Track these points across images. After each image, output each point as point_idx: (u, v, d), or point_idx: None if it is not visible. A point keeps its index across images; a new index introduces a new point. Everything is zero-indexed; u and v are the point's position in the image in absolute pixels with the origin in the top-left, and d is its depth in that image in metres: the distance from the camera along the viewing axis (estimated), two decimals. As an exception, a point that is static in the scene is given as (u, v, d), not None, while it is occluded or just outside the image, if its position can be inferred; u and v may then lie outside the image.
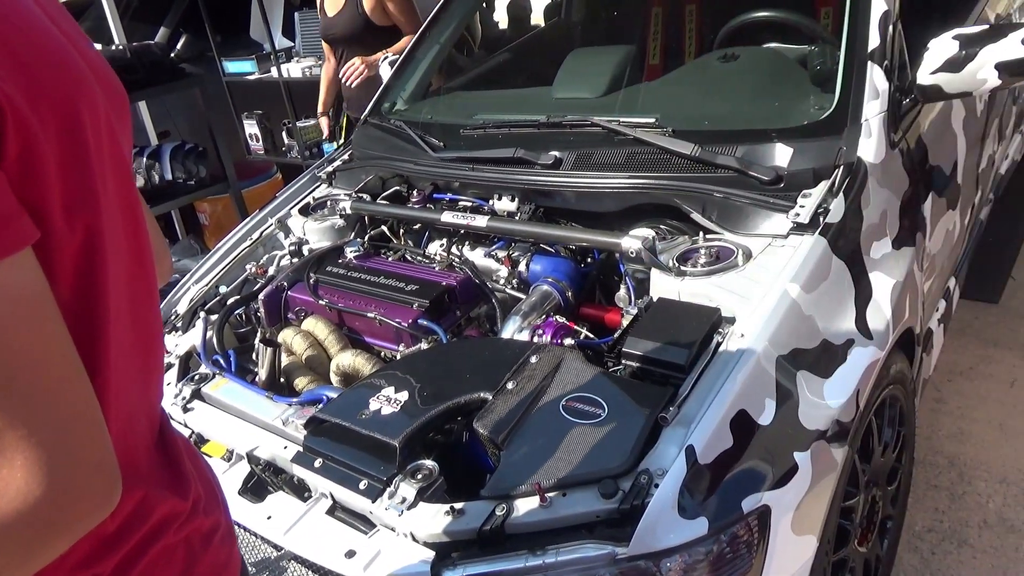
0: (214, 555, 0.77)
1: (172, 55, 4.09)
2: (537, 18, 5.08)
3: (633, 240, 1.55)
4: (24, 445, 0.50)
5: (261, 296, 1.82)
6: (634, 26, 2.93)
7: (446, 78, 2.83)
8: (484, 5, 4.51)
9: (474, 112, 2.18)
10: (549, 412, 1.27)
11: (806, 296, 1.39)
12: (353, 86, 3.24)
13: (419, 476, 1.23)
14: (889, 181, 1.68)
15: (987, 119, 2.38)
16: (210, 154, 3.83)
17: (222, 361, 1.67)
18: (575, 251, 1.78)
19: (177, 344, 1.78)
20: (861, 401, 1.41)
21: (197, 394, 1.60)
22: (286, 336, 1.71)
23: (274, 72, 4.26)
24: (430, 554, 1.15)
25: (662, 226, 1.68)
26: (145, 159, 3.63)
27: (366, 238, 2.01)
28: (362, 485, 1.24)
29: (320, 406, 1.42)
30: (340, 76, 3.30)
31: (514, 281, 1.78)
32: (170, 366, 1.71)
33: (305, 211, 2.15)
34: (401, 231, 2.07)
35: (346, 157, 2.33)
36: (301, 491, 1.35)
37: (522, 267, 1.77)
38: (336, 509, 1.29)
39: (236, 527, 1.05)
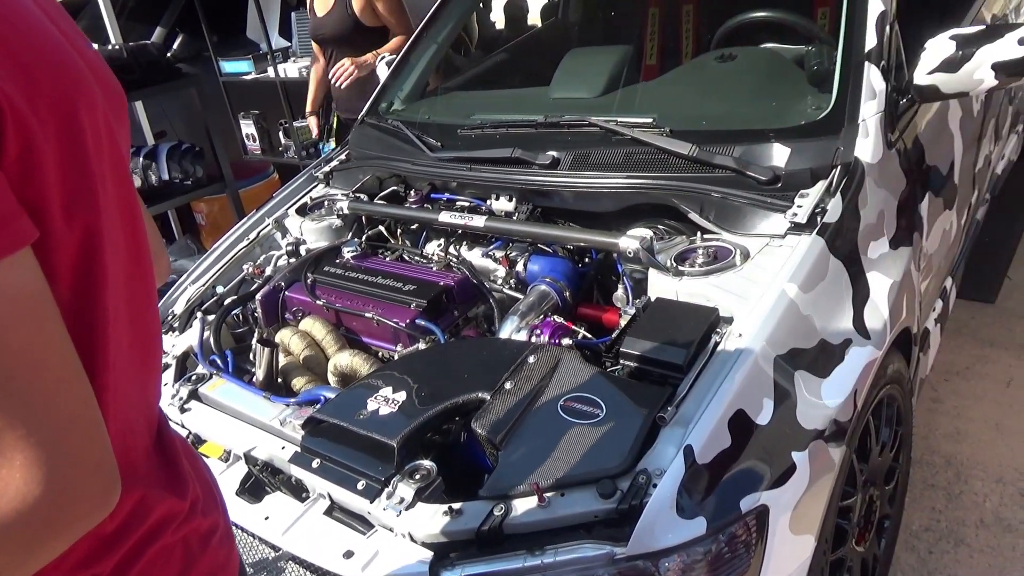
0: (212, 556, 0.77)
1: (168, 55, 4.09)
2: (534, 18, 5.08)
3: (631, 240, 1.55)
4: (23, 445, 0.50)
5: (258, 296, 1.81)
6: (631, 26, 2.93)
7: (443, 78, 2.83)
8: (481, 5, 4.50)
9: (471, 112, 2.18)
10: (547, 412, 1.27)
11: (804, 296, 1.39)
12: (343, 87, 3.24)
13: (417, 476, 1.23)
14: (886, 181, 1.68)
15: (983, 119, 2.39)
16: (207, 154, 3.82)
17: (219, 361, 1.66)
18: (573, 251, 1.78)
19: (174, 344, 1.77)
20: (859, 401, 1.42)
21: (194, 394, 1.60)
22: (283, 336, 1.70)
23: (271, 72, 4.25)
24: (428, 554, 1.15)
25: (660, 226, 1.68)
26: (142, 159, 3.62)
27: (363, 238, 2.01)
28: (360, 485, 1.24)
29: (318, 406, 1.42)
30: (329, 77, 3.29)
31: (512, 281, 1.78)
32: (167, 366, 1.70)
33: (302, 211, 2.15)
34: (398, 231, 2.07)
35: (343, 157, 2.33)
36: (299, 491, 1.35)
37: (520, 267, 1.77)
38: (334, 509, 1.29)
39: (234, 528, 1.04)
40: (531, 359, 1.36)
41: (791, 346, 1.34)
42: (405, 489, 1.21)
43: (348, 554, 1.18)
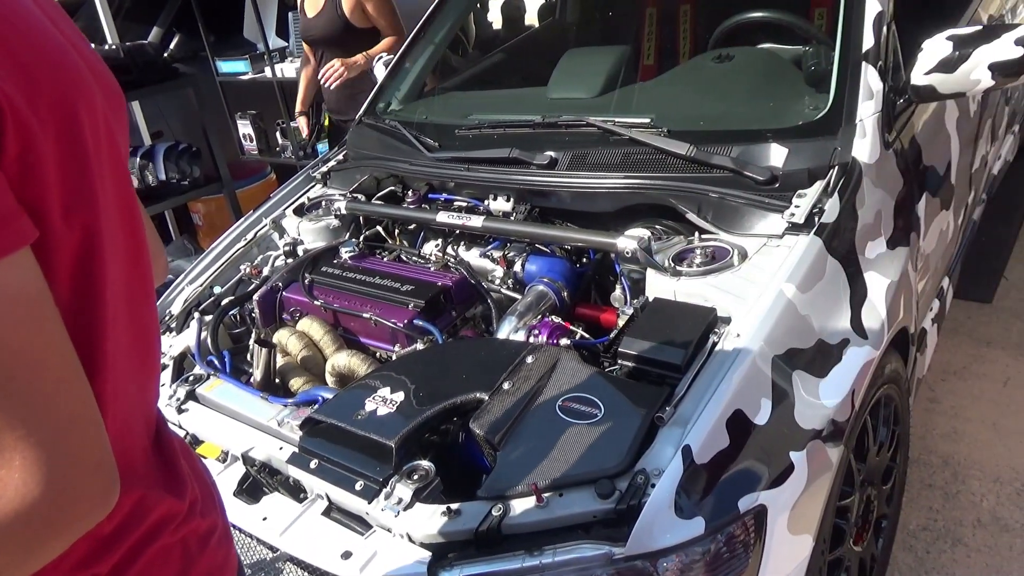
0: (211, 556, 0.77)
1: (165, 55, 4.08)
2: (531, 19, 5.08)
3: (629, 240, 1.55)
4: (22, 445, 0.50)
5: (256, 297, 1.81)
6: (628, 26, 2.93)
7: (441, 78, 2.83)
8: (478, 5, 4.50)
9: (469, 112, 2.18)
10: (545, 412, 1.27)
11: (801, 296, 1.40)
12: (332, 88, 3.23)
13: (415, 477, 1.23)
14: (884, 181, 1.68)
15: (980, 120, 2.39)
16: (204, 154, 3.81)
17: (217, 362, 1.66)
18: (571, 251, 1.78)
19: (171, 345, 1.77)
20: (856, 401, 1.42)
21: (192, 395, 1.59)
22: (281, 337, 1.70)
23: (268, 72, 4.25)
24: (427, 555, 1.14)
25: (658, 226, 1.68)
26: (139, 159, 3.61)
27: (361, 238, 2.01)
28: (358, 486, 1.24)
29: (316, 407, 1.42)
30: (319, 78, 3.28)
31: (510, 281, 1.78)
32: (164, 367, 1.70)
33: (300, 211, 2.14)
34: (396, 231, 2.07)
35: (340, 157, 2.32)
36: (297, 492, 1.35)
37: (518, 267, 1.77)
38: (332, 510, 1.29)
39: (232, 528, 1.04)
40: (529, 359, 1.36)
41: (789, 346, 1.34)
42: (403, 489, 1.21)
43: (346, 555, 1.18)
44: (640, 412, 1.22)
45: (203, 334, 1.73)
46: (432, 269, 1.78)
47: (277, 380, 1.62)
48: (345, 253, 1.88)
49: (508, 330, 1.55)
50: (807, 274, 1.42)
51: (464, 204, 1.95)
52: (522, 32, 4.25)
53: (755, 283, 1.43)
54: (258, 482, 1.39)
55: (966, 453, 2.34)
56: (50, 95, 0.57)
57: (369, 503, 1.22)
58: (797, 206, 1.53)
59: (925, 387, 2.60)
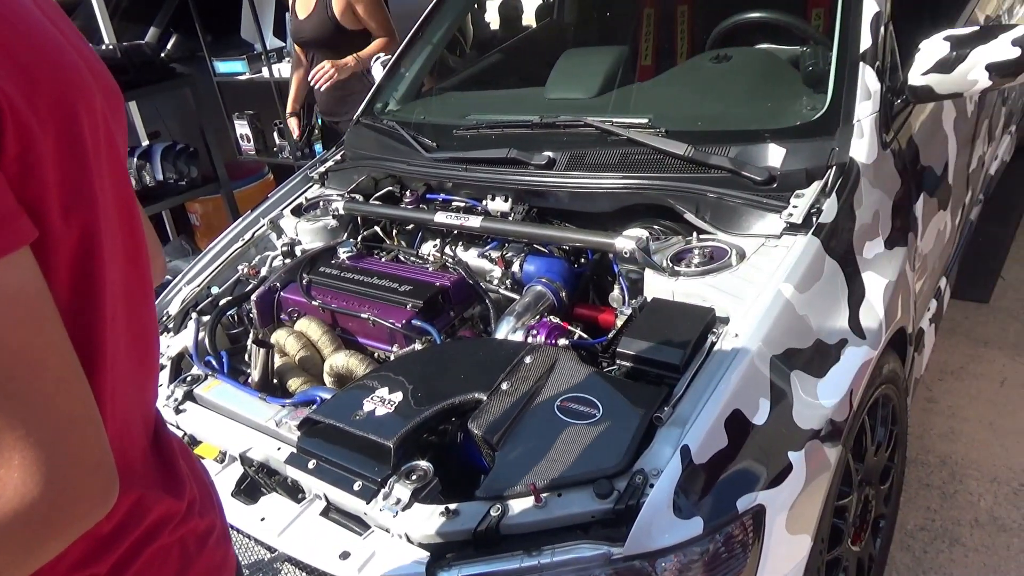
0: (209, 556, 0.76)
1: (162, 55, 4.07)
2: (528, 19, 5.09)
3: (627, 240, 1.55)
4: (22, 445, 0.50)
5: (254, 297, 1.81)
6: (626, 27, 2.93)
7: (438, 78, 2.83)
8: (476, 6, 4.51)
9: (467, 112, 2.18)
10: (544, 412, 1.27)
11: (800, 296, 1.40)
12: (322, 90, 3.22)
13: (413, 477, 1.23)
14: (881, 181, 1.69)
15: (977, 120, 2.40)
16: (201, 155, 3.81)
17: (214, 362, 1.66)
18: (569, 251, 1.78)
19: (169, 345, 1.77)
20: (854, 400, 1.42)
21: (189, 395, 1.59)
22: (279, 337, 1.70)
23: (265, 72, 4.24)
24: (425, 555, 1.14)
25: (656, 226, 1.68)
26: (136, 160, 3.60)
27: (359, 239, 2.01)
28: (356, 486, 1.24)
29: (314, 407, 1.42)
30: (309, 79, 3.27)
31: (508, 282, 1.78)
32: (162, 367, 1.70)
33: (297, 212, 2.14)
34: (394, 232, 2.07)
35: (338, 157, 2.32)
36: (295, 492, 1.35)
37: (516, 267, 1.77)
38: (330, 510, 1.28)
39: (230, 529, 1.04)
40: (527, 359, 1.36)
41: (787, 346, 1.34)
42: (401, 490, 1.21)
43: (344, 555, 1.18)
44: (638, 412, 1.22)
45: (201, 334, 1.73)
46: (430, 269, 1.78)
47: (275, 380, 1.62)
48: (343, 253, 1.88)
49: (506, 330, 1.55)
50: (805, 274, 1.42)
51: (462, 204, 1.95)
52: (520, 32, 4.25)
53: (753, 283, 1.43)
54: (256, 482, 1.39)
55: (963, 453, 2.35)
56: (50, 95, 0.57)
57: (367, 503, 1.22)
58: (795, 206, 1.53)
59: (923, 387, 2.60)
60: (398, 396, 1.34)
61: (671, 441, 1.17)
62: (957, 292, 2.57)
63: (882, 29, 1.77)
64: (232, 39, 4.85)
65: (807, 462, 1.27)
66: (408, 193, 2.05)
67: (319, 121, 3.81)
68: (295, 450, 1.35)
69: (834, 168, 1.59)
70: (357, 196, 2.09)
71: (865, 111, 1.67)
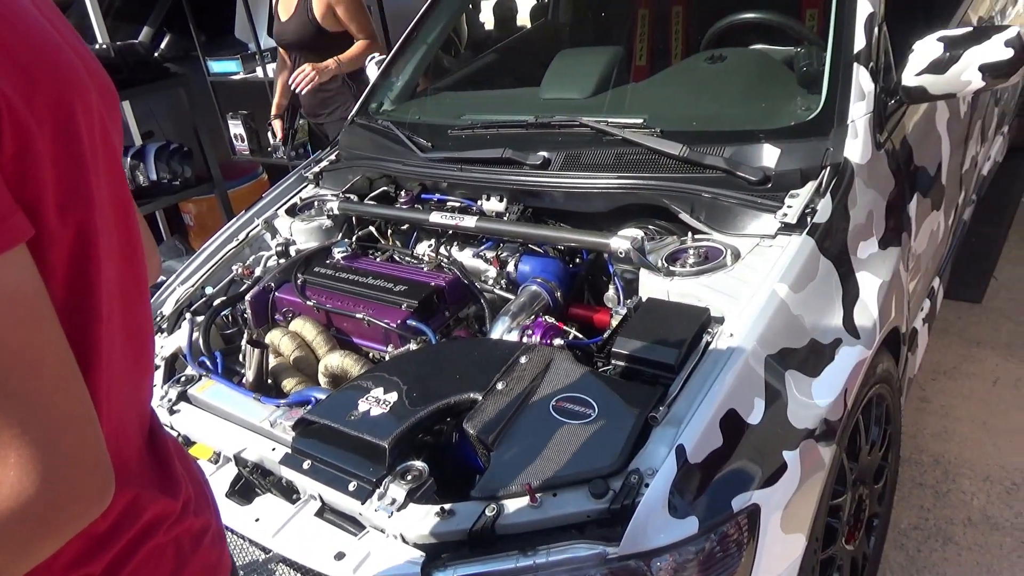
0: (204, 556, 0.76)
1: (156, 55, 4.06)
2: (523, 19, 5.08)
3: (622, 240, 1.55)
4: (18, 443, 0.50)
5: (248, 297, 1.80)
6: (621, 27, 2.94)
7: (433, 79, 2.83)
8: (470, 6, 4.50)
9: (462, 112, 2.18)
10: (539, 412, 1.27)
11: (794, 296, 1.40)
12: (303, 93, 3.21)
13: (409, 477, 1.22)
14: (875, 182, 1.69)
15: (970, 121, 2.41)
16: (195, 154, 3.80)
17: (208, 363, 1.65)
18: (564, 251, 1.78)
19: (162, 346, 1.76)
20: (849, 400, 1.42)
21: (183, 396, 1.59)
22: (274, 337, 1.70)
23: (259, 72, 4.23)
24: (420, 555, 1.14)
25: (651, 226, 1.69)
26: (129, 159, 3.59)
27: (354, 239, 2.00)
28: (351, 487, 1.24)
29: (308, 407, 1.41)
30: (289, 82, 3.25)
31: (503, 282, 1.78)
32: (156, 368, 1.69)
33: (292, 212, 2.14)
34: (389, 232, 2.06)
35: (333, 157, 2.32)
36: (289, 493, 1.34)
37: (511, 267, 1.77)
38: (325, 511, 1.28)
39: (224, 529, 1.04)
40: (523, 359, 1.36)
41: (782, 346, 1.34)
42: (396, 490, 1.20)
43: (339, 555, 1.18)
44: (634, 412, 1.22)
45: (195, 335, 1.72)
46: (425, 269, 1.78)
47: (269, 381, 1.62)
48: (338, 253, 1.87)
49: (501, 330, 1.54)
50: (800, 274, 1.43)
51: (457, 204, 1.95)
52: (514, 33, 4.25)
53: (748, 283, 1.43)
54: (250, 483, 1.39)
55: (956, 452, 2.36)
56: (47, 94, 0.57)
57: (362, 504, 1.21)
58: (790, 206, 1.54)
59: (916, 387, 2.61)
60: (393, 396, 1.34)
61: (666, 441, 1.17)
62: (950, 292, 2.58)
63: (876, 30, 1.78)
64: (226, 39, 4.84)
65: (802, 461, 1.28)
66: (403, 193, 2.04)
67: (303, 123, 3.80)
68: (290, 450, 1.35)
69: (828, 168, 1.59)
70: (352, 196, 2.08)
71: (859, 111, 1.67)
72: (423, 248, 1.93)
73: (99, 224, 0.61)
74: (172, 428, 1.54)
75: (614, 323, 1.52)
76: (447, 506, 1.17)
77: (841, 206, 1.57)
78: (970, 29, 1.71)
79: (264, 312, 1.82)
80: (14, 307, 0.51)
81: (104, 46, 3.68)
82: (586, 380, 1.31)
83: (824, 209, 1.53)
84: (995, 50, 1.65)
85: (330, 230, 2.05)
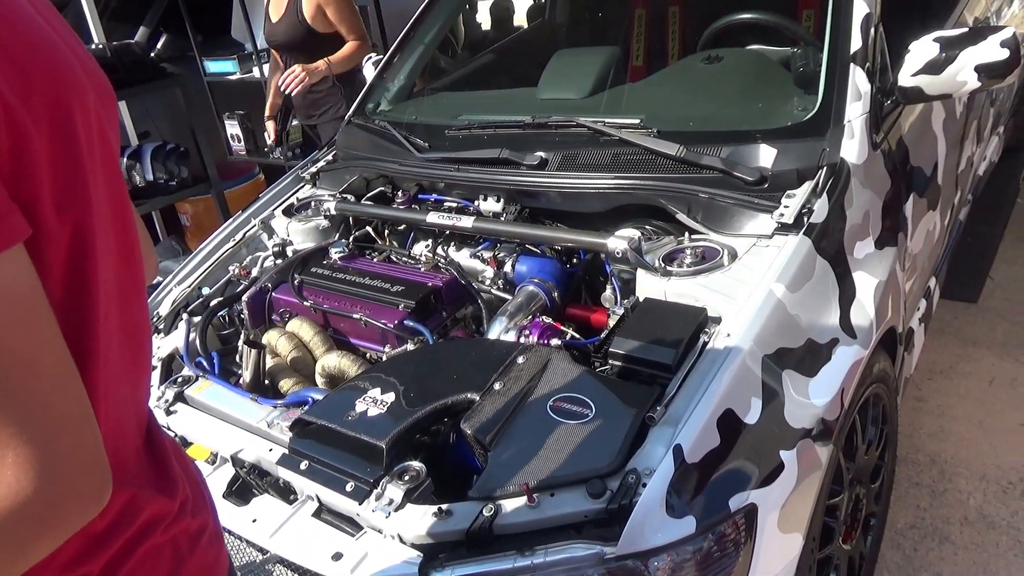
0: (201, 556, 0.76)
1: (152, 55, 4.05)
2: (520, 19, 5.09)
3: (619, 240, 1.55)
4: (15, 442, 0.50)
5: (245, 297, 1.80)
6: (618, 28, 2.94)
7: (430, 79, 2.83)
8: (467, 7, 4.50)
9: (459, 113, 2.18)
10: (536, 412, 1.27)
11: (791, 296, 1.40)
12: (293, 94, 3.20)
13: (406, 477, 1.22)
14: (872, 182, 1.69)
15: (966, 121, 2.41)
16: (192, 155, 3.79)
17: (205, 363, 1.65)
18: (561, 252, 1.78)
19: (159, 346, 1.76)
20: (845, 400, 1.43)
21: (180, 397, 1.59)
22: (271, 338, 1.69)
23: (256, 72, 4.23)
24: (418, 555, 1.14)
25: (647, 226, 1.69)
26: (126, 160, 3.58)
27: (351, 239, 2.00)
28: (349, 487, 1.24)
29: (306, 408, 1.41)
30: (279, 83, 3.24)
31: (500, 282, 1.78)
32: (152, 368, 1.69)
33: (289, 212, 2.14)
34: (386, 232, 2.06)
35: (330, 158, 2.32)
36: (287, 494, 1.34)
37: (508, 268, 1.77)
38: (322, 511, 1.28)
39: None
40: (520, 359, 1.36)
41: (779, 346, 1.35)
42: (394, 490, 1.20)
43: (337, 556, 1.18)
44: (631, 412, 1.23)
45: (191, 335, 1.72)
46: (422, 270, 1.78)
47: (267, 381, 1.62)
48: (335, 254, 1.87)
49: (499, 330, 1.54)
50: (796, 274, 1.43)
51: (454, 204, 1.94)
52: (511, 33, 4.26)
53: (745, 283, 1.43)
54: (248, 484, 1.39)
55: (953, 451, 2.36)
56: (45, 94, 0.57)
57: (360, 504, 1.21)
58: (786, 206, 1.54)
59: (912, 386, 2.61)
60: (390, 397, 1.34)
61: (664, 440, 1.17)
62: (946, 292, 2.58)
63: (872, 30, 1.78)
64: (222, 39, 4.83)
65: (799, 461, 1.28)
66: (400, 193, 2.04)
67: (296, 124, 3.80)
68: (287, 451, 1.35)
69: (825, 168, 1.60)
70: (349, 196, 2.08)
71: (855, 112, 1.68)
72: (420, 248, 1.93)
73: (96, 223, 0.61)
74: (169, 429, 1.54)
75: (611, 323, 1.52)
76: (445, 506, 1.17)
77: (837, 206, 1.57)
78: (966, 30, 1.71)
79: (261, 312, 1.82)
80: (12, 306, 0.51)
81: (100, 46, 3.68)
82: (583, 380, 1.31)
83: (821, 209, 1.53)
84: (991, 51, 1.65)
85: (327, 230, 2.04)
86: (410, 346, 1.57)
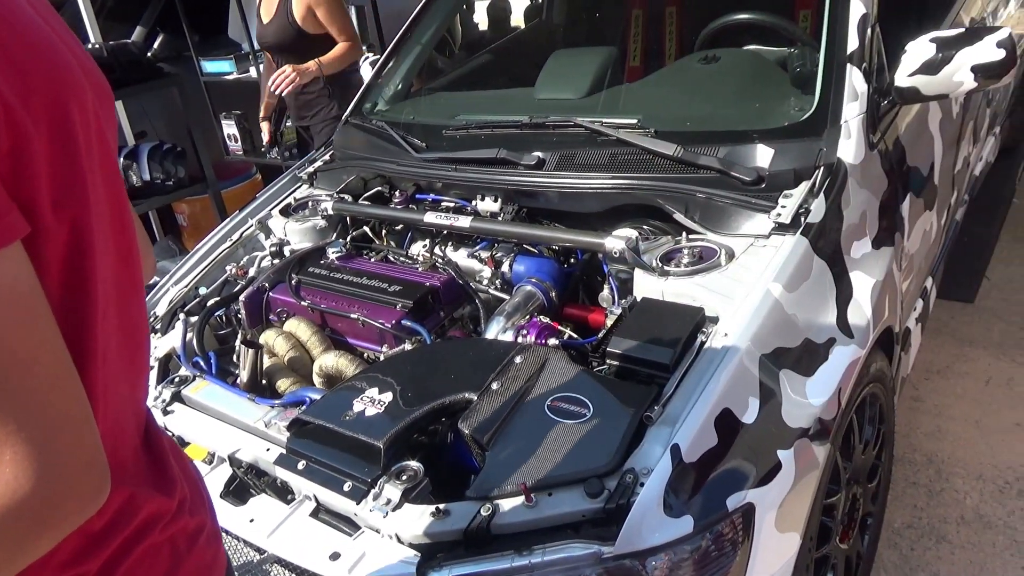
0: (199, 555, 0.76)
1: (149, 54, 4.04)
2: (517, 20, 5.09)
3: (616, 240, 1.55)
4: (13, 441, 0.50)
5: (242, 297, 1.80)
6: (615, 28, 2.94)
7: (427, 79, 2.83)
8: (464, 7, 4.50)
9: (456, 112, 2.18)
10: (534, 412, 1.27)
11: (788, 295, 1.40)
12: (284, 95, 3.20)
13: (404, 477, 1.22)
14: (868, 182, 1.70)
15: (962, 121, 2.42)
16: (188, 154, 3.79)
17: (203, 363, 1.65)
18: (558, 251, 1.78)
19: (156, 346, 1.76)
20: (843, 399, 1.43)
21: (177, 396, 1.58)
22: (268, 337, 1.69)
23: (252, 72, 4.22)
24: (415, 555, 1.14)
25: (645, 226, 1.69)
26: (123, 159, 3.58)
27: (348, 239, 2.00)
28: (346, 487, 1.23)
29: (303, 408, 1.41)
30: (269, 84, 3.23)
31: (497, 282, 1.78)
32: (150, 368, 1.69)
33: (286, 212, 2.13)
34: (383, 232, 2.06)
35: (327, 158, 2.32)
36: (284, 493, 1.34)
37: (505, 268, 1.77)
38: (320, 511, 1.28)
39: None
40: (518, 359, 1.36)
41: (776, 345, 1.35)
42: (392, 490, 1.20)
43: (334, 556, 1.18)
44: (629, 411, 1.23)
45: (189, 335, 1.72)
46: (420, 269, 1.78)
47: (264, 381, 1.61)
48: (332, 254, 1.87)
49: (496, 330, 1.54)
50: (793, 274, 1.43)
51: (452, 204, 1.94)
52: (508, 33, 4.26)
53: (742, 283, 1.43)
54: (245, 484, 1.38)
55: (949, 451, 2.37)
56: (44, 94, 0.57)
57: (357, 504, 1.21)
58: (783, 206, 1.54)
59: (909, 386, 2.62)
60: (388, 396, 1.34)
61: (661, 440, 1.17)
62: (943, 292, 2.59)
63: (869, 31, 1.78)
64: (219, 39, 4.83)
65: (796, 461, 1.28)
66: (397, 193, 2.04)
67: (290, 124, 3.80)
68: (284, 451, 1.35)
69: (822, 168, 1.60)
70: (346, 196, 2.08)
71: (852, 112, 1.68)
72: (418, 248, 1.92)
73: (94, 222, 0.61)
74: (166, 429, 1.53)
75: (609, 323, 1.52)
76: (442, 506, 1.17)
77: (835, 206, 1.57)
78: (962, 30, 1.72)
79: (258, 312, 1.82)
80: (10, 305, 0.51)
81: (97, 46, 3.67)
82: (581, 380, 1.31)
83: (818, 209, 1.53)
84: (987, 51, 1.66)
85: (324, 230, 2.04)
86: (408, 346, 1.57)
